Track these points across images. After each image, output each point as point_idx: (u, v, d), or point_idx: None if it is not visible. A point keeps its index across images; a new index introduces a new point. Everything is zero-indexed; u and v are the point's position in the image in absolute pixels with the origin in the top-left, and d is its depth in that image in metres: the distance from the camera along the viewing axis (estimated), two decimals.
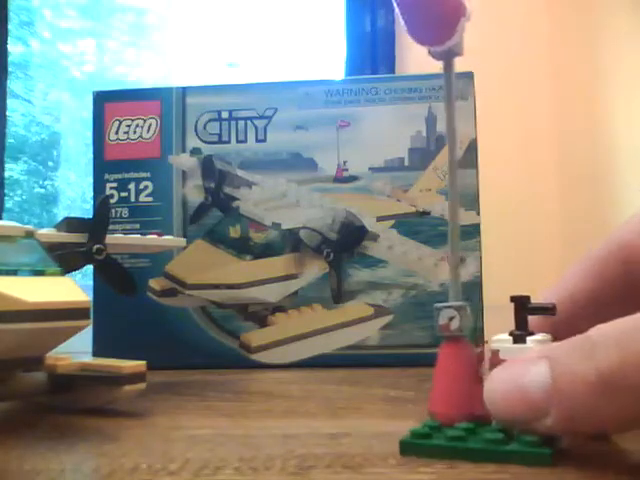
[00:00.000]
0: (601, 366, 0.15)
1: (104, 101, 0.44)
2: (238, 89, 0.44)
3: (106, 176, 0.44)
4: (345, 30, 1.83)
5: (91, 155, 0.45)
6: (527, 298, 0.19)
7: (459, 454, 0.17)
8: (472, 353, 0.19)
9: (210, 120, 0.44)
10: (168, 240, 0.37)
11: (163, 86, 0.45)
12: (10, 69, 1.84)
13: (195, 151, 0.43)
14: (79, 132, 1.97)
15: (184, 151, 0.44)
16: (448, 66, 0.20)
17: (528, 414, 0.17)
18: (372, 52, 1.78)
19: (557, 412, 0.16)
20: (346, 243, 0.42)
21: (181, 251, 0.42)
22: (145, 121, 0.44)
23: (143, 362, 0.26)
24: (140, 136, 0.44)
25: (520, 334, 0.19)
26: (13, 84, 1.89)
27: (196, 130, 0.44)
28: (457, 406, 0.19)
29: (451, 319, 0.19)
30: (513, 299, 0.19)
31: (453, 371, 0.19)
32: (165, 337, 0.42)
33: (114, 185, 0.43)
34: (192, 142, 0.44)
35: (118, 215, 0.43)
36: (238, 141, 0.43)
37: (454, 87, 0.20)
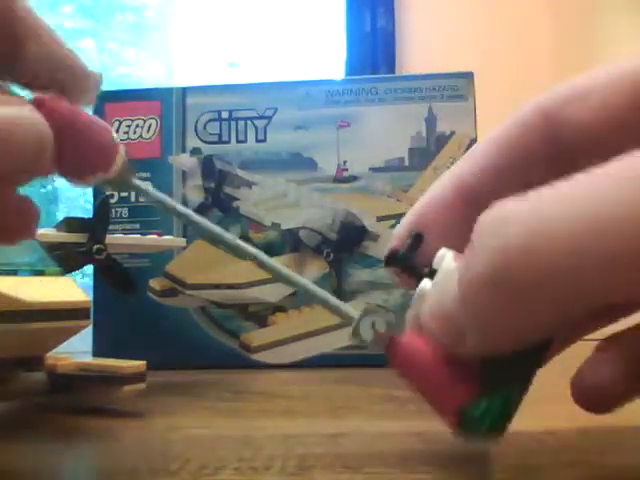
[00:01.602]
0: (494, 257, 0.13)
1: (104, 101, 0.44)
2: (238, 89, 0.44)
3: None
4: (345, 30, 1.83)
5: None
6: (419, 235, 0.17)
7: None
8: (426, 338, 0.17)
9: (210, 120, 0.44)
10: (168, 240, 0.37)
11: (163, 86, 0.45)
12: None
13: (195, 151, 0.43)
14: None
15: (184, 151, 0.44)
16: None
17: (450, 333, 0.14)
18: (372, 52, 1.78)
19: (469, 323, 0.14)
20: (346, 243, 0.42)
21: (181, 251, 0.42)
22: (145, 121, 0.44)
23: (143, 362, 0.26)
24: (140, 136, 0.44)
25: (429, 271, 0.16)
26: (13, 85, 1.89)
27: (196, 130, 0.44)
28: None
29: (374, 323, 0.17)
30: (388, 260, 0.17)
31: (426, 365, 0.16)
32: (165, 337, 0.42)
33: None
34: (192, 142, 0.44)
35: (118, 215, 0.43)
36: (238, 141, 0.43)
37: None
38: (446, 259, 0.16)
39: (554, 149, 0.17)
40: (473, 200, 0.17)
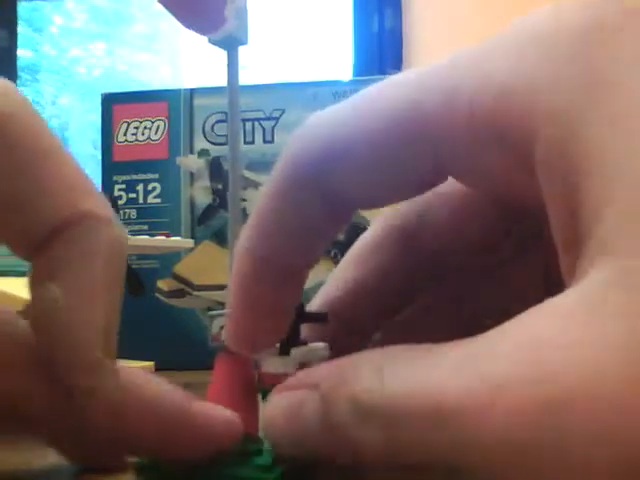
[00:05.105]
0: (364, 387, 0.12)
1: (112, 103, 0.45)
2: (245, 90, 0.44)
3: (114, 177, 0.44)
4: (353, 31, 1.83)
5: (99, 156, 0.45)
6: (300, 306, 0.17)
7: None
8: (249, 366, 0.17)
9: (218, 121, 0.44)
10: (176, 241, 0.38)
11: (171, 88, 0.45)
12: (20, 73, 1.85)
13: (203, 152, 0.44)
14: (87, 134, 1.98)
15: (192, 152, 0.44)
16: (231, 56, 0.17)
17: (300, 456, 0.14)
18: (380, 53, 1.78)
19: (330, 453, 0.13)
20: (353, 244, 0.42)
21: (189, 252, 0.42)
22: (153, 123, 0.44)
23: (151, 363, 0.26)
24: (148, 138, 0.44)
25: (284, 344, 0.16)
26: (23, 88, 1.91)
27: (204, 131, 0.44)
28: None
29: (222, 328, 0.17)
30: None
31: (224, 386, 0.17)
32: (172, 338, 0.42)
33: (122, 186, 0.44)
34: (200, 143, 0.44)
35: (126, 216, 0.43)
36: (246, 142, 0.43)
37: (237, 81, 0.18)
38: (296, 354, 0.16)
39: (323, 206, 0.16)
40: (270, 270, 0.16)
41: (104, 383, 0.13)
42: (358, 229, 0.42)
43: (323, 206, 0.15)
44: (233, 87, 0.18)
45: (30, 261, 0.14)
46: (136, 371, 0.15)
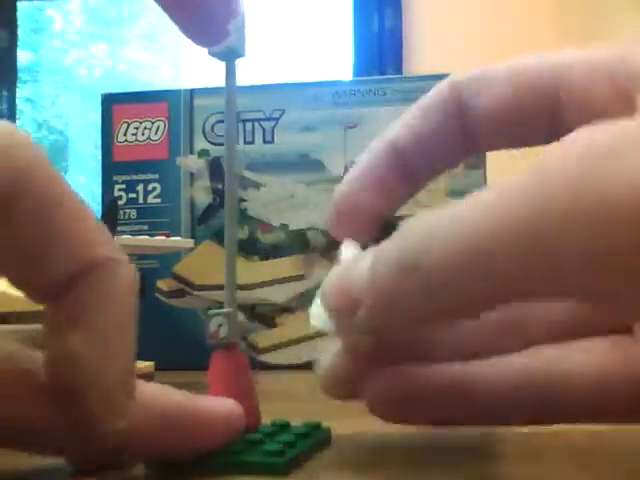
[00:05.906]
0: (406, 248, 0.14)
1: (112, 103, 0.45)
2: (245, 91, 0.44)
3: (114, 177, 0.44)
4: (353, 31, 1.83)
5: (100, 157, 0.45)
6: (391, 219, 0.19)
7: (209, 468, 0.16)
8: (245, 362, 0.18)
9: (218, 122, 0.44)
10: (176, 241, 0.38)
11: (171, 88, 0.45)
12: (20, 74, 1.85)
13: (203, 152, 0.44)
14: (88, 135, 1.98)
15: (192, 153, 0.44)
16: (229, 67, 0.19)
17: (344, 305, 0.15)
18: (380, 53, 1.78)
19: (370, 301, 0.15)
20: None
21: (189, 252, 0.42)
22: (153, 123, 0.44)
23: (151, 363, 0.26)
24: (148, 138, 0.44)
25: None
26: (24, 88, 1.91)
27: (204, 132, 0.44)
28: None
29: (220, 326, 0.18)
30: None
31: (222, 381, 0.18)
32: (172, 338, 0.42)
33: (122, 187, 0.44)
34: (200, 144, 0.44)
35: (126, 216, 0.43)
36: (246, 142, 0.43)
37: (235, 91, 0.19)
38: (350, 247, 0.19)
39: (462, 126, 0.18)
40: (403, 163, 0.19)
41: (124, 421, 0.14)
42: None
43: (458, 125, 0.18)
44: (230, 96, 0.19)
45: (46, 305, 0.14)
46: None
